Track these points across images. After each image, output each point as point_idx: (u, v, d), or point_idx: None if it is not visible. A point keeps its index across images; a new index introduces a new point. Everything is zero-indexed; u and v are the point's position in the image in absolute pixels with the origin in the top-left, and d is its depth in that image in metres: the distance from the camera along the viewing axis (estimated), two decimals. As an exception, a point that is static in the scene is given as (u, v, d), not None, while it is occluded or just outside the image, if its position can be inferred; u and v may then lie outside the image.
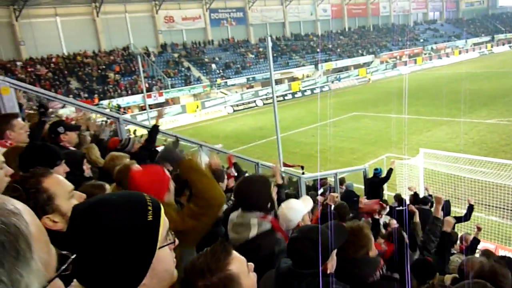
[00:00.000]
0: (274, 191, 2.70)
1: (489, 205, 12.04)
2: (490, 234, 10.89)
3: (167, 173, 2.36)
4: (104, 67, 37.57)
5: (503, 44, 67.61)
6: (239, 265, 1.36)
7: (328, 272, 1.81)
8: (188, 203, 2.30)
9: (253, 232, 2.35)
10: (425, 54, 60.94)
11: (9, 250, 0.66)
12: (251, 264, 1.44)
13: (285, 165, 11.13)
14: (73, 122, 5.57)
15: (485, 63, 52.47)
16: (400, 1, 66.46)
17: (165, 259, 1.16)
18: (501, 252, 8.85)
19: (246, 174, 6.34)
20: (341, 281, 1.91)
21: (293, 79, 47.20)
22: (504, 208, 11.70)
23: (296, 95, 42.79)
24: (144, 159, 4.50)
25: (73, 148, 3.69)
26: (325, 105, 35.42)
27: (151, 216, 1.11)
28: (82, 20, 38.99)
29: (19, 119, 3.28)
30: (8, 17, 34.97)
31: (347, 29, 61.43)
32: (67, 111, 21.04)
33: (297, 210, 2.76)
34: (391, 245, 3.20)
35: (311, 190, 7.19)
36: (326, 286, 1.75)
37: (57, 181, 1.82)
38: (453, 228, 4.37)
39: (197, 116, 36.24)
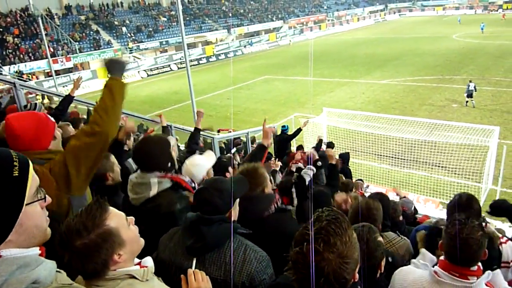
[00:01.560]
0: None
1: (381, 155, 13.30)
2: (381, 180, 12.08)
3: (51, 119, 2.18)
4: (1, 30, 33.14)
5: (394, 13, 72.57)
6: (116, 220, 1.36)
7: (232, 219, 1.88)
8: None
9: (153, 191, 2.28)
10: (328, 20, 63.20)
11: None
12: (131, 218, 1.45)
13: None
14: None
15: (379, 29, 56.04)
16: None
17: (34, 215, 1.13)
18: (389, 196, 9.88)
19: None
20: (239, 218, 2.01)
21: (206, 43, 46.15)
22: (393, 157, 13.01)
23: (210, 59, 42.05)
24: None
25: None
26: (239, 69, 35.37)
27: (17, 172, 1.08)
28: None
29: None
30: None
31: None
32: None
33: (201, 165, 2.78)
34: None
35: (225, 150, 7.32)
36: (233, 230, 1.84)
37: None
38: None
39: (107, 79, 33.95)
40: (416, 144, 12.64)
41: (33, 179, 1.13)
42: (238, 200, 1.98)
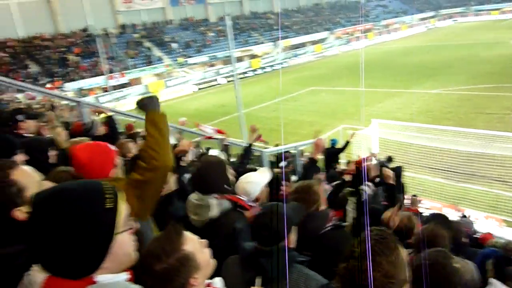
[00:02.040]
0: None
1: (435, 168, 12.68)
2: (436, 194, 11.50)
3: (113, 148, 2.29)
4: (63, 49, 35.64)
5: (446, 19, 69.74)
6: (192, 243, 1.40)
7: (291, 246, 1.86)
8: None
9: (214, 212, 2.34)
10: (375, 29, 61.96)
11: None
12: (204, 241, 1.48)
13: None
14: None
15: (429, 37, 54.07)
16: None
17: (124, 243, 1.19)
18: (444, 211, 9.38)
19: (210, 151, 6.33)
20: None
21: (253, 56, 46.81)
22: (448, 171, 12.36)
23: (256, 72, 42.57)
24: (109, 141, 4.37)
25: (31, 135, 3.51)
26: (285, 81, 35.49)
27: (108, 204, 1.14)
28: (36, 1, 36.55)
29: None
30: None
31: (302, 7, 61.20)
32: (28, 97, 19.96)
33: (256, 182, 2.77)
34: None
35: (275, 164, 7.27)
36: (292, 259, 1.81)
37: (25, 173, 1.76)
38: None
39: (160, 95, 35.28)
40: (473, 157, 11.94)
41: (123, 209, 1.19)
42: (295, 226, 1.95)
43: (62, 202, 1.08)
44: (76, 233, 1.06)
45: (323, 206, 2.46)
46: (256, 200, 2.59)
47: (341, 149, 9.67)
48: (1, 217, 1.59)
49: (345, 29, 58.65)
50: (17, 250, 1.42)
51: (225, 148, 5.12)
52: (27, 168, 1.80)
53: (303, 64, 45.45)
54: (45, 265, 1.09)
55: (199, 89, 37.48)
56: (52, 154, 2.96)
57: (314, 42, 53.04)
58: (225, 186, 2.43)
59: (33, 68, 32.82)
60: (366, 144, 13.32)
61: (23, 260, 1.19)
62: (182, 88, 36.94)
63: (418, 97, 22.93)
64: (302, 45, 52.24)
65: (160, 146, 2.00)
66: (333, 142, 9.72)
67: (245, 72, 41.80)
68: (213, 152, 7.12)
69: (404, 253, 1.40)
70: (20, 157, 2.40)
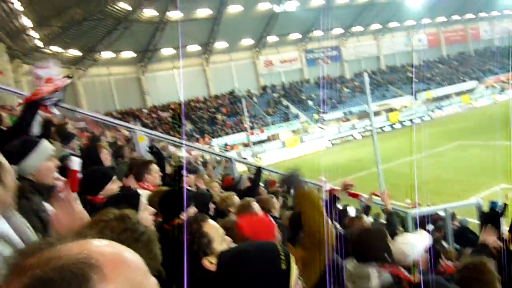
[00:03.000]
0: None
1: None
2: None
3: (272, 220, 2.39)
4: (213, 110, 40.33)
5: None
6: None
7: None
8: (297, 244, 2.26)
9: (373, 284, 2.25)
10: (537, 75, 54.07)
11: None
12: None
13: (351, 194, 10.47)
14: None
15: None
16: (503, 23, 60.56)
17: None
18: None
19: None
20: None
21: (390, 110, 45.25)
22: None
23: (394, 126, 40.79)
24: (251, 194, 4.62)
25: (192, 189, 3.93)
26: (426, 135, 33.07)
27: (283, 265, 1.20)
28: (194, 70, 42.64)
29: (155, 165, 3.61)
30: (136, 72, 39.97)
31: (445, 57, 57.54)
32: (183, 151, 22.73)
33: (414, 244, 2.59)
34: None
35: (420, 225, 6.61)
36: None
37: (213, 226, 1.97)
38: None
39: (296, 150, 36.46)
40: None
41: (294, 270, 1.24)
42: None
43: (244, 262, 1.19)
44: None
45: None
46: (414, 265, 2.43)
47: (501, 214, 8.31)
48: (193, 264, 1.78)
49: (498, 77, 52.65)
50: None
51: (366, 210, 4.90)
52: (214, 222, 2.02)
53: (448, 117, 41.90)
54: None
55: (333, 144, 37.52)
56: (212, 207, 3.26)
57: (460, 93, 48.80)
58: (386, 255, 2.33)
59: (188, 126, 37.72)
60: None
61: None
62: (317, 143, 37.51)
63: None
64: (446, 96, 48.52)
65: (318, 223, 2.08)
66: (493, 205, 8.43)
67: (383, 127, 40.46)
68: (351, 210, 6.87)
69: None
70: (192, 210, 2.69)
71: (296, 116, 41.98)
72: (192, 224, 1.87)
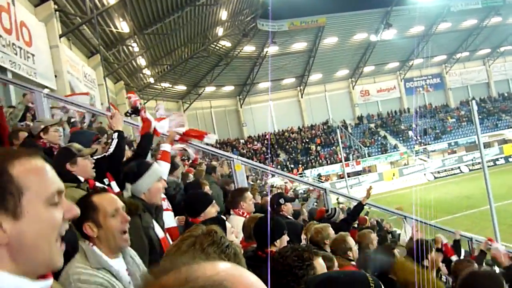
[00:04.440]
0: None
1: None
2: None
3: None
4: (307, 140, 40.40)
5: None
6: None
7: None
8: None
9: None
10: None
11: None
12: None
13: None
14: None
15: None
16: None
17: None
18: None
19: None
20: None
21: (504, 141, 40.45)
22: None
23: (510, 160, 36.27)
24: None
25: (292, 218, 3.94)
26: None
27: None
28: (289, 102, 43.56)
29: (249, 192, 3.71)
30: (235, 105, 42.39)
31: None
32: (277, 180, 23.06)
33: None
34: None
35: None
36: None
37: (322, 264, 1.92)
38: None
39: (394, 183, 34.38)
40: None
41: None
42: None
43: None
44: None
45: None
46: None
47: None
48: None
49: None
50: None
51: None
52: (322, 261, 1.98)
53: None
54: None
55: (435, 178, 34.61)
56: (304, 237, 3.24)
57: None
58: None
59: (282, 156, 38.21)
60: None
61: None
62: (418, 177, 34.95)
63: None
64: None
65: None
66: None
67: (496, 160, 36.29)
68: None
69: None
70: (285, 238, 2.70)
71: (395, 147, 39.86)
72: (304, 252, 1.86)
